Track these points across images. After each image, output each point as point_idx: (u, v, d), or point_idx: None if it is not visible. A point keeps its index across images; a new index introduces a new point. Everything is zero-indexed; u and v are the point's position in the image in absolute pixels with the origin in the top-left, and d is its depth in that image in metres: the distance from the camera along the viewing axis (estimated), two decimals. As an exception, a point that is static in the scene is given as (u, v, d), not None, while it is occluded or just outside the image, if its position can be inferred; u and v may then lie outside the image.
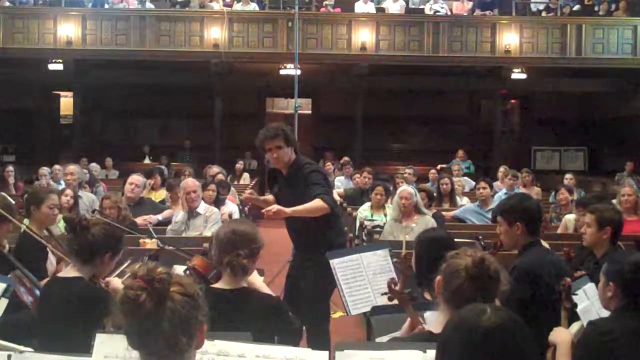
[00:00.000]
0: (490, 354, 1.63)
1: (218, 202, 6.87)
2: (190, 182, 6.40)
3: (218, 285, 2.86)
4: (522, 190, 8.73)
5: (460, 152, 15.15)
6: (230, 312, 2.67)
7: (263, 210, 4.07)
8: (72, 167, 7.22)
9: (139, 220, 6.28)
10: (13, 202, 4.47)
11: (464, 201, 8.51)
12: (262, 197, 4.67)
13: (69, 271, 2.97)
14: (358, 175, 9.55)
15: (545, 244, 3.67)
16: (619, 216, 4.19)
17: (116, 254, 2.98)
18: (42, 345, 2.70)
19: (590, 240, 4.05)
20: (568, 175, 10.10)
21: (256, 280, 2.97)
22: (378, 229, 6.53)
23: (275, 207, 4.01)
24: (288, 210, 4.01)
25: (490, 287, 2.28)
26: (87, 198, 7.04)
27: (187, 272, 3.09)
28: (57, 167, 10.08)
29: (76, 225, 2.92)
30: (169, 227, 6.12)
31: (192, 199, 6.07)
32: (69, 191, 6.37)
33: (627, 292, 2.62)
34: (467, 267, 2.28)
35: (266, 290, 2.98)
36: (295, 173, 4.29)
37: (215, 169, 9.69)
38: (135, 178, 6.79)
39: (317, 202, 4.10)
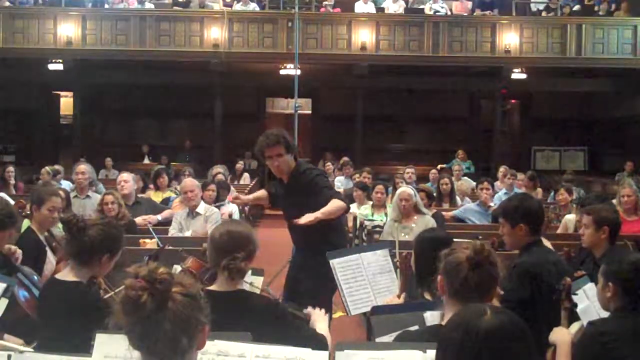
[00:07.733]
0: (490, 355, 1.63)
1: (218, 202, 6.87)
2: (188, 182, 6.45)
3: (213, 287, 2.75)
4: (522, 190, 8.69)
5: (460, 152, 15.15)
6: (226, 315, 2.51)
7: (294, 221, 3.97)
8: (83, 167, 6.99)
9: (139, 220, 6.28)
10: (13, 202, 4.47)
11: (465, 201, 8.49)
12: (251, 196, 4.63)
13: (67, 274, 2.92)
14: (358, 176, 9.53)
15: (547, 243, 3.67)
16: (616, 215, 4.19)
17: (114, 254, 2.94)
18: (41, 346, 2.69)
19: (588, 241, 4.03)
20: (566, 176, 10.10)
21: (320, 325, 2.88)
22: (378, 229, 6.53)
23: (305, 217, 3.91)
24: (312, 216, 3.93)
25: (492, 272, 2.32)
26: (96, 199, 6.99)
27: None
28: (57, 167, 10.11)
29: (73, 226, 2.87)
30: (170, 228, 6.12)
31: (189, 198, 6.12)
32: (61, 192, 6.31)
33: (626, 293, 2.63)
34: (469, 257, 2.29)
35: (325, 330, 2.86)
36: (296, 180, 4.21)
37: (216, 169, 9.68)
38: (124, 176, 6.81)
39: (337, 202, 4.08)
